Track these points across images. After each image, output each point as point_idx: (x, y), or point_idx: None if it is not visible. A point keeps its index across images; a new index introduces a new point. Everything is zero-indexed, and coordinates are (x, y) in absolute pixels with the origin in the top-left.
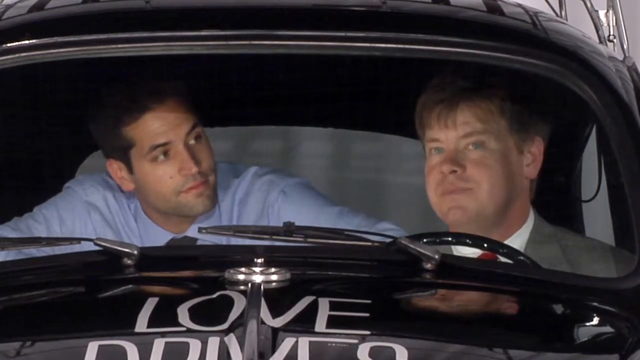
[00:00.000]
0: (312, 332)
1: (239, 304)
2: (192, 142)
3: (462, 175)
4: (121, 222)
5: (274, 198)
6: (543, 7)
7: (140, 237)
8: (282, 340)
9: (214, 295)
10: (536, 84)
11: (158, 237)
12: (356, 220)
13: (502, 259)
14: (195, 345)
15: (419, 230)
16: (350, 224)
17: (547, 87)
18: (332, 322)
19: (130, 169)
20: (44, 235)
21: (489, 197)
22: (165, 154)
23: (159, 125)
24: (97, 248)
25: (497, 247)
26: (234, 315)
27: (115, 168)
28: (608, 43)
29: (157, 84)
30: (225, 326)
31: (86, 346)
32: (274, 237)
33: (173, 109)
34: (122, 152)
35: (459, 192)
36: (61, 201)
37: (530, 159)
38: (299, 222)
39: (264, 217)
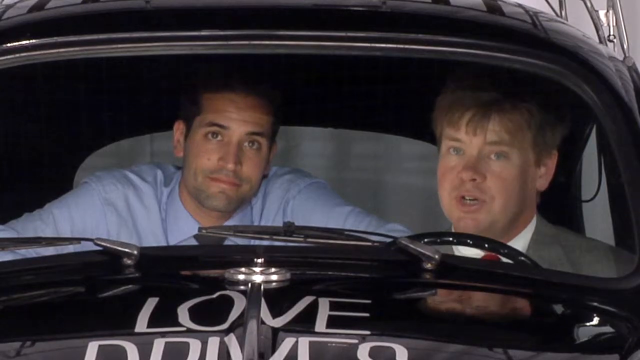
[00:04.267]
0: (312, 332)
1: (239, 304)
2: (247, 143)
3: (480, 185)
4: (142, 222)
5: (290, 196)
6: (543, 7)
7: (166, 230)
8: (282, 340)
9: (214, 295)
10: (561, 99)
11: (188, 229)
12: (365, 220)
13: (503, 260)
14: (195, 345)
15: (419, 230)
16: (359, 224)
17: (567, 101)
18: (332, 322)
19: (187, 135)
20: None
21: (502, 211)
22: (218, 135)
23: (229, 109)
24: (97, 248)
25: (497, 247)
26: (234, 315)
27: (178, 129)
28: (608, 43)
29: (251, 78)
30: (225, 326)
31: (86, 346)
32: (274, 237)
33: (251, 106)
34: (190, 115)
35: (474, 204)
36: (74, 201)
37: (544, 171)
38: (310, 220)
39: (279, 215)
